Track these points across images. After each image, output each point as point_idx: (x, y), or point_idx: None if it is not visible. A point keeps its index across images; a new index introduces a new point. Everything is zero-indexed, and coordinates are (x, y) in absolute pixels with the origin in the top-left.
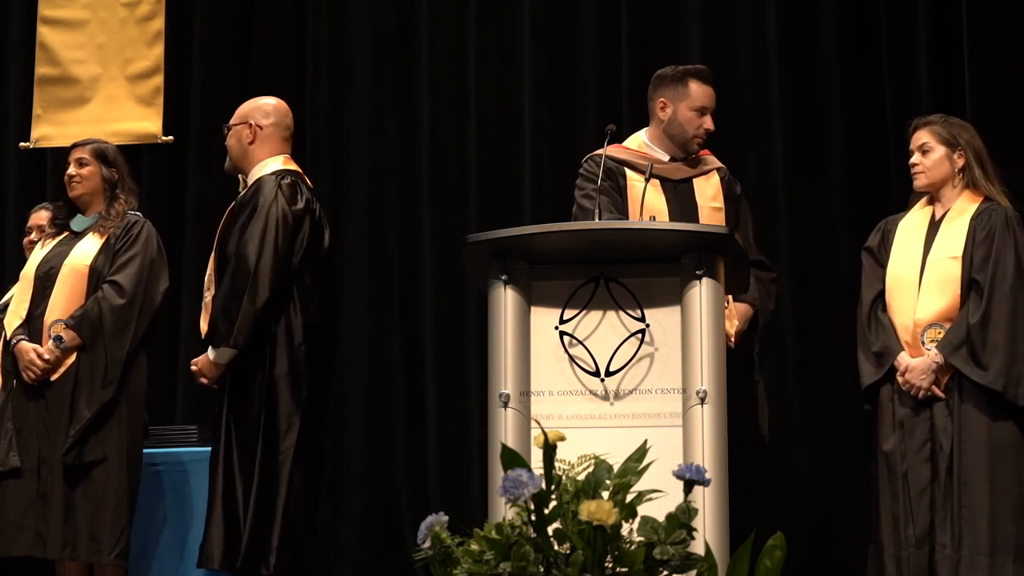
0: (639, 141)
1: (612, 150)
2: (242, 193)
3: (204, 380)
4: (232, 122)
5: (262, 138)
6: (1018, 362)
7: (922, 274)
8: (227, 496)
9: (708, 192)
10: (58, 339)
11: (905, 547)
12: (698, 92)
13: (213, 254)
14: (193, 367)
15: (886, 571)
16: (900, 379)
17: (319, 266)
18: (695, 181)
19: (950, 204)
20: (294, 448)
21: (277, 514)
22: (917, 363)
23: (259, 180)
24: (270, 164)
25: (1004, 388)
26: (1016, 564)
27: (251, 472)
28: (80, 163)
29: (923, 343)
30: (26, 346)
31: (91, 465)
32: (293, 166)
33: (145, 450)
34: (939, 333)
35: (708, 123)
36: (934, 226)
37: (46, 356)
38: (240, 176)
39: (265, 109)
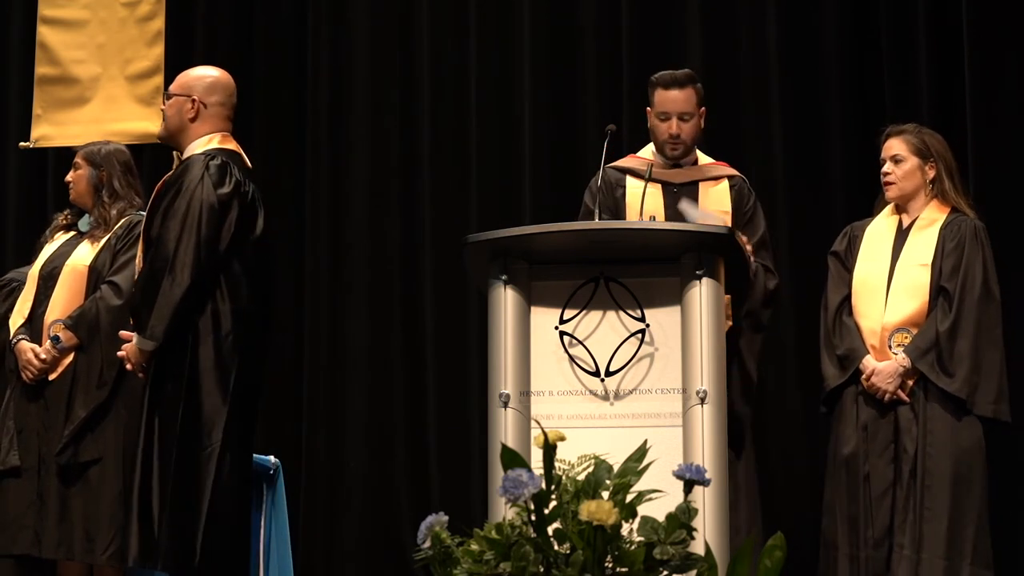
0: (650, 149)
1: (621, 160)
2: (172, 171)
3: (130, 366)
4: (173, 90)
5: (205, 116)
6: (981, 372)
7: (890, 280)
8: (144, 490)
9: (713, 198)
10: (55, 339)
11: (863, 548)
12: (659, 98)
13: (141, 236)
14: (120, 353)
15: (838, 572)
16: (865, 382)
17: (251, 251)
18: (701, 186)
19: (918, 213)
20: (222, 442)
21: (203, 510)
22: (884, 367)
23: (188, 160)
24: (207, 143)
25: (968, 396)
26: (973, 567)
27: (170, 466)
28: (74, 167)
29: (890, 347)
30: (24, 346)
31: (86, 465)
32: (231, 145)
33: None
34: (906, 338)
35: (673, 127)
36: (902, 234)
37: (43, 356)
38: (175, 153)
39: (212, 85)
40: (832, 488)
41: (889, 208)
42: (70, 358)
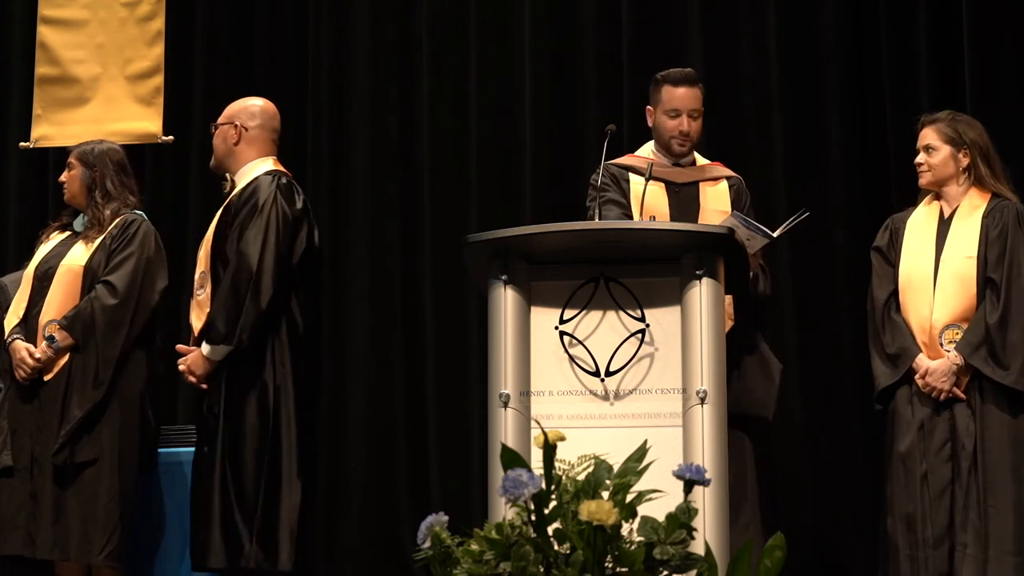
0: (649, 149)
1: (621, 158)
2: (231, 193)
3: (193, 378)
4: (219, 121)
5: (247, 139)
6: None
7: (936, 273)
8: (224, 496)
9: (714, 198)
10: (51, 339)
11: (922, 548)
12: (670, 95)
13: (206, 252)
14: (181, 366)
15: (900, 572)
16: (920, 381)
17: (312, 265)
18: (701, 185)
19: (957, 201)
20: (298, 446)
21: (292, 512)
22: (937, 365)
23: (256, 180)
24: (260, 165)
25: None
26: None
27: (255, 472)
28: (67, 167)
29: (941, 344)
30: (19, 345)
31: (82, 466)
32: (281, 168)
33: None
34: (957, 334)
35: (684, 124)
36: (944, 224)
37: (37, 355)
38: (227, 176)
39: (251, 110)
40: (891, 488)
41: (928, 198)
42: (65, 358)
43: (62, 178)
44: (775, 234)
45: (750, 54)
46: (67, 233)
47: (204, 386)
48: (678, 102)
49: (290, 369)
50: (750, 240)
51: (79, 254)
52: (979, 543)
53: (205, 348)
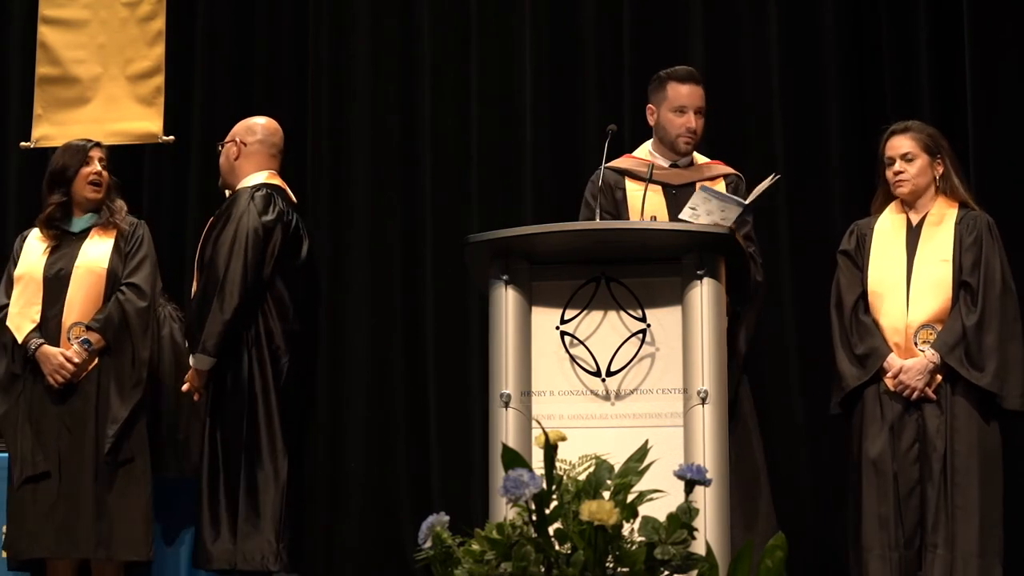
0: (646, 150)
1: (617, 161)
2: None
3: (196, 397)
4: (225, 140)
5: (246, 154)
6: (1007, 366)
7: (909, 277)
8: (213, 498)
9: None
10: (85, 342)
11: (895, 548)
12: (676, 92)
13: (196, 264)
14: (184, 388)
15: (870, 572)
16: (891, 381)
17: (295, 275)
18: (696, 185)
19: (926, 209)
20: (280, 450)
21: (279, 514)
22: (913, 364)
23: (237, 192)
24: (252, 178)
25: (999, 390)
26: (1001, 565)
27: (238, 475)
28: (103, 165)
29: (916, 344)
30: (51, 350)
31: (123, 464)
32: (276, 181)
33: None
34: (931, 335)
35: (691, 122)
36: (913, 231)
37: (76, 360)
38: (227, 192)
39: (252, 127)
40: (860, 488)
41: (894, 205)
42: (95, 360)
43: (101, 170)
44: (747, 201)
45: (751, 54)
46: (61, 236)
47: (203, 390)
48: (685, 99)
49: (271, 378)
50: (724, 211)
51: (97, 256)
52: (947, 544)
53: (191, 359)
